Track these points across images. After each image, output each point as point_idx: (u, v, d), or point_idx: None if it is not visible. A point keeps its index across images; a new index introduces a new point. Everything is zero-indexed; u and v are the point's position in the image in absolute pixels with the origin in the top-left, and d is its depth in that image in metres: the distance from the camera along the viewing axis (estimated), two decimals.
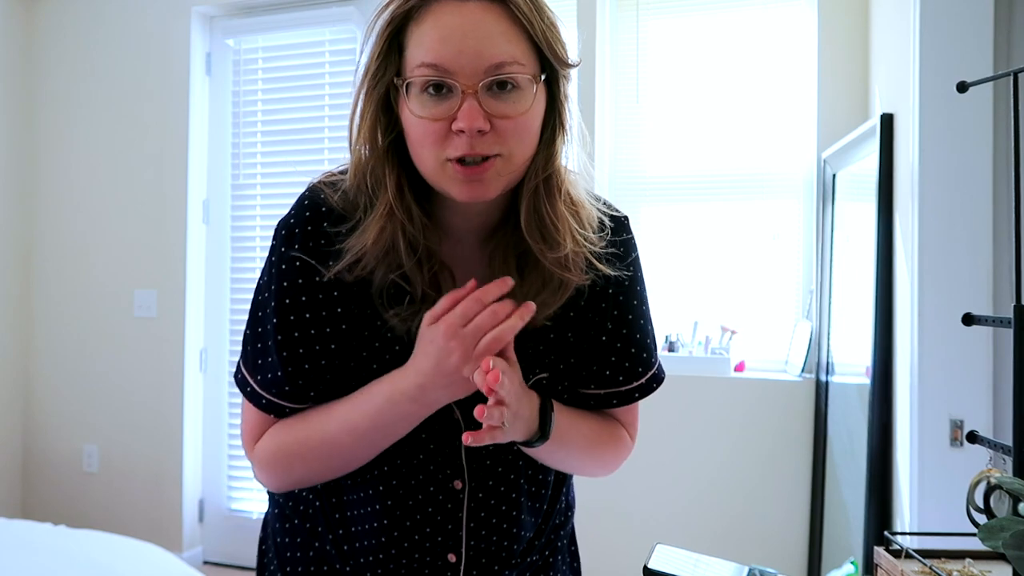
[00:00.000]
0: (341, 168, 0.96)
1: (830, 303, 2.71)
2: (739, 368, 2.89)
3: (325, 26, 3.31)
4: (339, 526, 0.99)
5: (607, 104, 3.06)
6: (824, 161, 2.78)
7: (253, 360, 0.95)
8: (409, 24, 0.85)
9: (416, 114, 0.84)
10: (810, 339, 2.77)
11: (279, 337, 0.92)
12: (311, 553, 1.01)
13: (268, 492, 1.06)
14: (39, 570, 1.98)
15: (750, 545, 2.75)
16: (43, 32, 3.67)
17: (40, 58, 3.67)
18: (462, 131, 0.81)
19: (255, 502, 3.43)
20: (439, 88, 0.83)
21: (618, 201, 3.05)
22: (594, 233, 0.93)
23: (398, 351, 0.92)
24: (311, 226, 0.91)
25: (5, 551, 2.07)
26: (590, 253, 0.93)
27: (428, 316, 0.89)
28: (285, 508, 1.03)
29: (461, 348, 0.86)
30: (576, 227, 0.91)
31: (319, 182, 0.94)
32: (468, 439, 0.82)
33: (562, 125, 0.90)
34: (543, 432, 0.92)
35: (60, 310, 3.62)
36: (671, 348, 2.91)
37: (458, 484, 0.96)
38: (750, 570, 1.52)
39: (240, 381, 0.97)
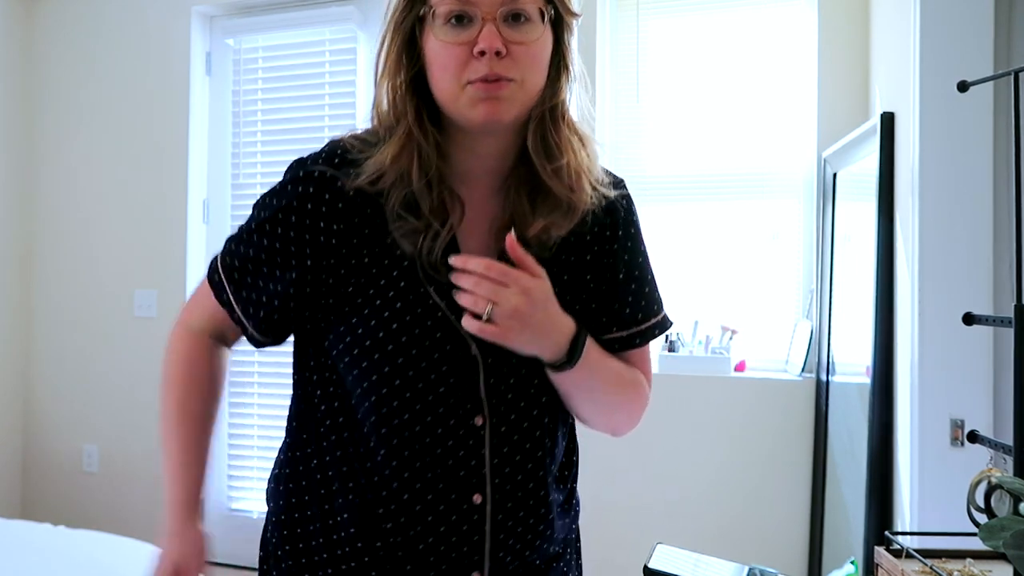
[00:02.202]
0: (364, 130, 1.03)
1: (830, 303, 2.71)
2: (739, 368, 2.89)
3: (325, 25, 3.31)
4: (362, 473, 0.97)
5: (607, 104, 3.06)
6: (824, 160, 2.78)
7: (239, 259, 1.00)
8: None
9: (440, 38, 0.92)
10: (810, 339, 2.76)
11: (292, 250, 0.97)
12: (326, 507, 0.99)
13: (278, 457, 1.07)
14: (39, 570, 1.98)
15: (750, 545, 2.75)
16: (43, 32, 3.66)
17: (40, 58, 3.67)
18: (482, 53, 0.90)
19: (255, 502, 3.43)
20: (460, 19, 0.92)
21: None
22: (594, 167, 1.02)
23: (406, 267, 0.96)
24: (327, 153, 0.99)
25: (5, 551, 2.07)
26: (594, 179, 1.01)
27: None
28: (298, 466, 1.03)
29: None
30: (578, 146, 1.00)
31: (340, 136, 1.02)
32: (466, 323, 0.90)
33: (566, 67, 1.00)
34: (571, 356, 0.95)
35: (60, 310, 3.61)
36: (671, 348, 2.90)
37: (479, 420, 0.97)
38: (750, 570, 1.52)
39: (211, 268, 1.03)
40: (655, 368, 2.90)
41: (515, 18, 0.92)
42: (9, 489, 3.60)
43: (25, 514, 3.56)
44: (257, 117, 3.42)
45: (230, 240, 1.03)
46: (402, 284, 0.95)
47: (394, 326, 0.95)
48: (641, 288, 1.06)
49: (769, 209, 2.96)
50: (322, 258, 0.96)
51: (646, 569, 1.45)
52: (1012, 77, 1.36)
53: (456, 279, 0.91)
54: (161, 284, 3.43)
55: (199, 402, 1.06)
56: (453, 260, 0.92)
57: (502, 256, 0.94)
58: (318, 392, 1.01)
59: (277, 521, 1.04)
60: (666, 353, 2.88)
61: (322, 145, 1.01)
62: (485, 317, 0.89)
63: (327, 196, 0.96)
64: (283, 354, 3.62)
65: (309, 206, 0.96)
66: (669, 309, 1.10)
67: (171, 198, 3.42)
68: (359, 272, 0.96)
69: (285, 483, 1.04)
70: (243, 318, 1.01)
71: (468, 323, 0.90)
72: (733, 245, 2.98)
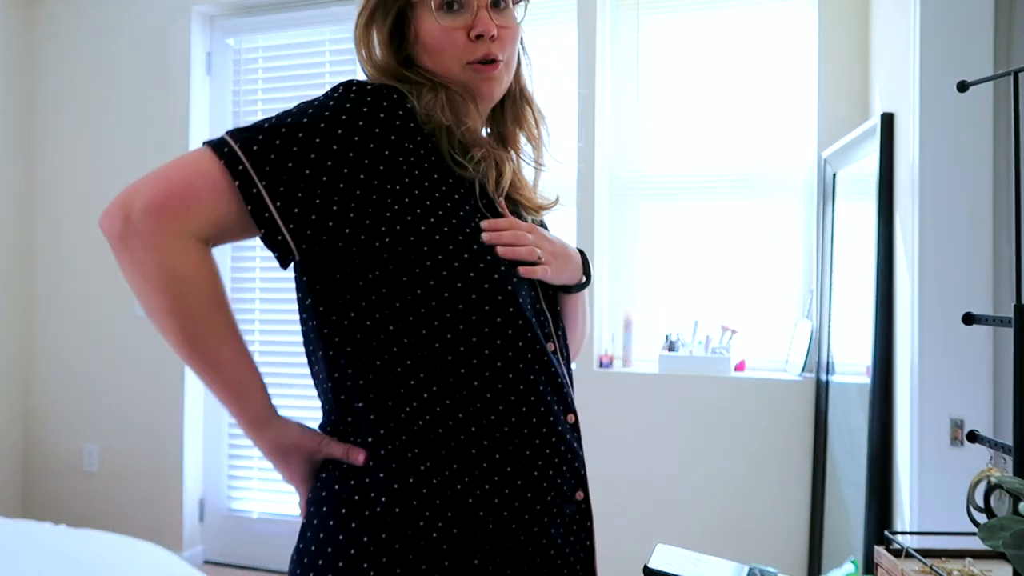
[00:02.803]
0: None
1: (830, 302, 2.71)
2: (739, 368, 2.89)
3: (325, 25, 3.31)
4: (492, 411, 0.93)
5: (607, 103, 3.06)
6: (824, 160, 2.78)
7: (279, 166, 0.85)
8: None
9: (441, 23, 1.01)
10: (810, 338, 2.76)
11: (365, 163, 0.88)
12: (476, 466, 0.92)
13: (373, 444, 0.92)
14: (39, 570, 1.98)
15: (750, 545, 2.75)
16: (43, 32, 3.67)
17: (40, 58, 3.67)
18: (480, 36, 1.01)
19: (255, 502, 3.43)
20: (451, 6, 1.01)
21: (618, 200, 3.06)
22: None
23: (463, 192, 0.99)
24: (398, 95, 0.96)
25: (5, 551, 2.07)
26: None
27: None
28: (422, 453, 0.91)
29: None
30: (538, 109, 1.15)
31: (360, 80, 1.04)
32: (526, 272, 1.00)
33: (524, 48, 1.14)
34: (588, 271, 1.14)
35: (61, 310, 3.62)
36: (671, 347, 2.91)
37: (551, 347, 1.03)
38: (750, 570, 1.52)
39: (219, 144, 0.86)
40: (655, 368, 2.91)
41: (497, 4, 1.03)
42: (9, 489, 3.61)
43: (25, 513, 3.57)
44: (257, 117, 3.40)
45: (247, 130, 0.87)
46: (467, 207, 0.99)
47: (469, 234, 0.96)
48: None
49: (769, 209, 2.96)
50: (394, 181, 0.90)
51: (646, 569, 1.45)
52: (1012, 77, 1.36)
53: (494, 239, 0.98)
54: None
55: (230, 314, 0.90)
56: (485, 224, 0.98)
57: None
58: (397, 365, 0.91)
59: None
60: (666, 353, 2.88)
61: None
62: (542, 261, 1.02)
63: (402, 113, 0.93)
64: (284, 354, 3.59)
65: (383, 120, 0.90)
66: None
67: None
68: (430, 194, 0.93)
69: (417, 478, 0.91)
70: (281, 222, 0.85)
71: (528, 271, 1.00)
72: (733, 245, 2.98)
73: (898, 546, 1.52)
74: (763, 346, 2.94)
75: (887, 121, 2.30)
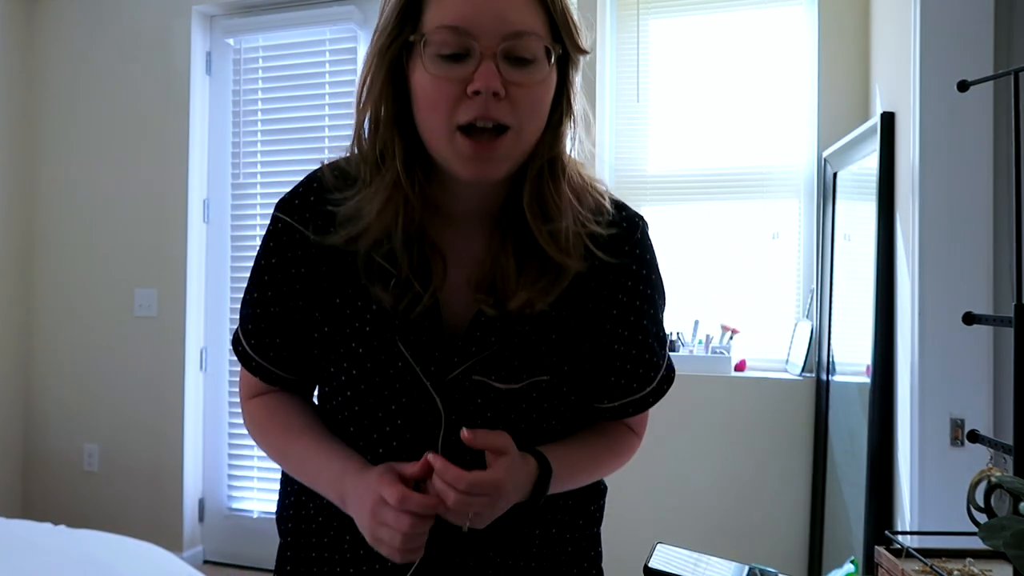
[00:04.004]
0: (352, 152, 0.96)
1: (831, 302, 2.71)
2: (740, 367, 2.89)
3: (325, 25, 3.31)
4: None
5: (608, 103, 3.06)
6: (824, 160, 2.78)
7: (247, 322, 0.99)
8: None
9: (431, 72, 0.83)
10: (811, 338, 2.76)
11: (271, 308, 0.96)
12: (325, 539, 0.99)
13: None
14: (39, 570, 1.98)
15: (750, 544, 2.75)
16: (43, 32, 3.66)
17: (40, 58, 3.67)
18: (477, 92, 0.81)
19: (255, 501, 3.43)
20: (456, 56, 0.82)
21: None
22: (596, 218, 0.92)
23: (375, 311, 0.91)
24: (302, 197, 0.94)
25: (5, 551, 2.07)
26: (589, 239, 0.91)
27: (392, 486, 0.84)
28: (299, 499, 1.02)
29: (389, 542, 0.84)
30: (578, 208, 0.90)
31: (324, 165, 0.97)
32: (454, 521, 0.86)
33: (570, 110, 0.90)
34: (536, 498, 0.90)
35: (60, 309, 3.61)
36: (672, 347, 2.90)
37: None
38: (750, 569, 1.52)
39: (234, 339, 1.02)
40: None
41: (518, 60, 0.83)
42: (9, 489, 3.60)
43: (25, 513, 3.56)
44: (257, 116, 3.42)
45: (244, 308, 1.02)
46: (368, 329, 0.91)
47: (362, 374, 0.92)
48: (641, 356, 0.97)
49: (769, 209, 2.96)
50: (301, 301, 0.95)
51: (646, 569, 1.45)
52: (1012, 77, 1.36)
53: (433, 487, 0.84)
54: (161, 283, 3.43)
55: (299, 416, 1.00)
56: (430, 458, 0.84)
57: (479, 315, 0.90)
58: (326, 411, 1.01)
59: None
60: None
61: (308, 170, 0.98)
62: (466, 528, 0.84)
63: (293, 246, 0.94)
64: None
65: (277, 258, 0.95)
66: (667, 368, 1.01)
67: (171, 197, 3.42)
68: (333, 316, 0.93)
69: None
70: (282, 366, 1.00)
71: (455, 521, 0.85)
72: (734, 244, 2.98)
73: (898, 546, 1.52)
74: (763, 346, 2.94)
75: (887, 121, 2.30)
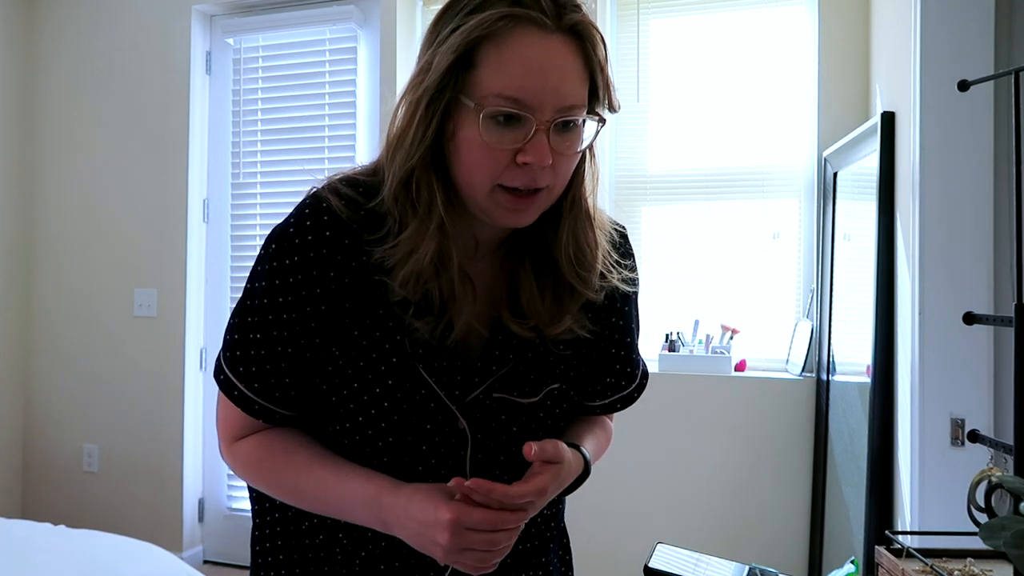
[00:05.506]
0: (354, 170, 0.93)
1: (831, 302, 2.71)
2: (740, 367, 2.88)
3: (325, 24, 3.31)
4: (348, 533, 0.96)
5: None
6: (825, 160, 2.78)
7: (245, 365, 0.92)
8: (485, 42, 0.82)
9: (484, 137, 0.82)
10: (811, 338, 2.76)
11: (278, 349, 0.90)
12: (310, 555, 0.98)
13: (253, 507, 1.03)
14: (39, 570, 1.98)
15: (750, 544, 2.75)
16: (43, 32, 3.66)
17: (40, 58, 3.67)
18: (527, 164, 0.82)
19: None
20: (510, 119, 0.82)
21: (619, 200, 3.06)
22: (612, 250, 0.98)
23: (397, 341, 0.90)
24: (315, 232, 0.88)
25: (5, 551, 2.07)
26: (606, 270, 0.97)
27: (444, 504, 0.83)
28: (276, 524, 1.00)
29: (444, 551, 0.83)
30: (607, 249, 0.96)
31: (323, 187, 0.91)
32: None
33: (592, 155, 0.93)
34: (576, 484, 0.96)
35: (60, 309, 3.61)
36: (672, 347, 2.90)
37: None
38: (750, 569, 1.52)
39: (225, 383, 0.93)
40: (655, 368, 2.91)
41: (565, 125, 0.84)
42: (9, 489, 3.60)
43: (25, 514, 3.56)
44: (257, 116, 3.42)
45: (226, 332, 0.95)
46: (393, 360, 0.90)
47: (385, 404, 0.90)
48: (628, 356, 1.06)
49: (769, 208, 2.96)
50: (318, 339, 0.90)
51: (646, 569, 1.45)
52: (1012, 77, 1.36)
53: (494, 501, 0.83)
54: (161, 283, 3.43)
55: (302, 448, 0.94)
56: (470, 485, 0.82)
57: (496, 325, 0.92)
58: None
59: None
60: (666, 352, 2.88)
61: (304, 198, 0.92)
62: (487, 565, 0.85)
63: (310, 283, 0.88)
64: None
65: (292, 297, 0.88)
66: (644, 364, 1.11)
67: (171, 197, 3.42)
68: (350, 348, 0.90)
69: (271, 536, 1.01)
70: (269, 404, 0.93)
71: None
72: (734, 244, 2.98)
73: (899, 546, 1.52)
74: (764, 346, 2.94)
75: (887, 120, 2.30)
